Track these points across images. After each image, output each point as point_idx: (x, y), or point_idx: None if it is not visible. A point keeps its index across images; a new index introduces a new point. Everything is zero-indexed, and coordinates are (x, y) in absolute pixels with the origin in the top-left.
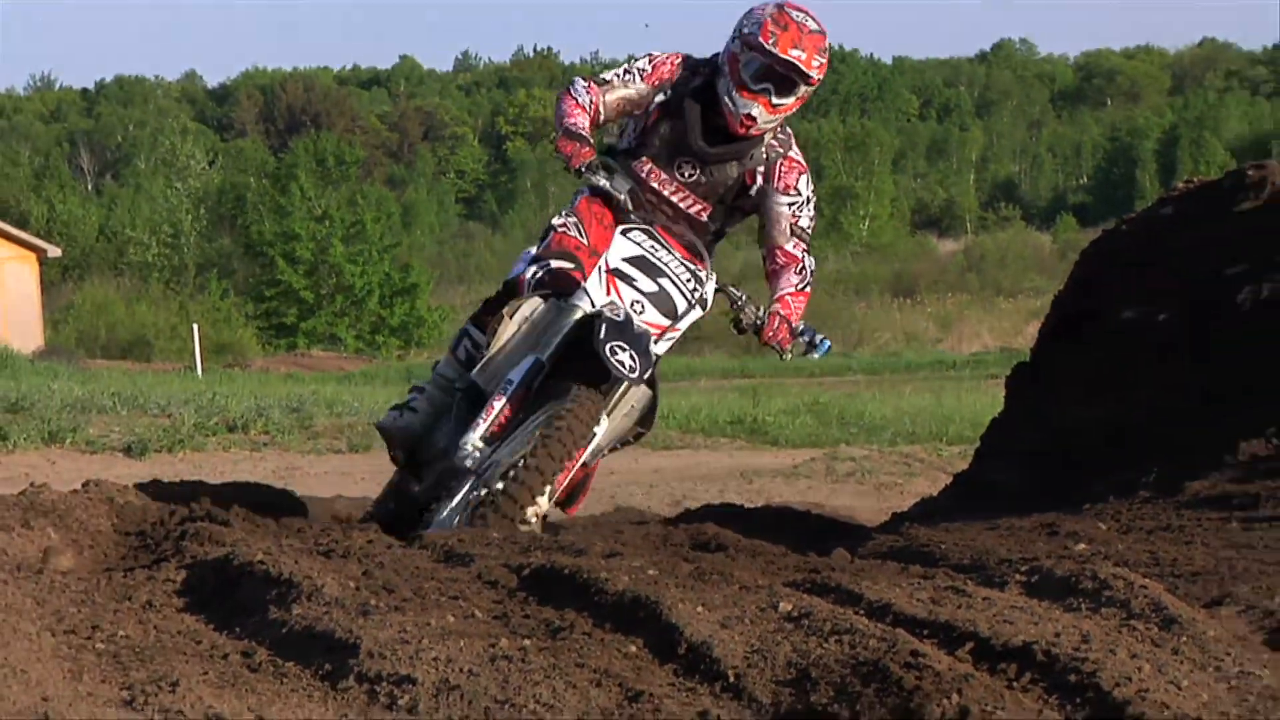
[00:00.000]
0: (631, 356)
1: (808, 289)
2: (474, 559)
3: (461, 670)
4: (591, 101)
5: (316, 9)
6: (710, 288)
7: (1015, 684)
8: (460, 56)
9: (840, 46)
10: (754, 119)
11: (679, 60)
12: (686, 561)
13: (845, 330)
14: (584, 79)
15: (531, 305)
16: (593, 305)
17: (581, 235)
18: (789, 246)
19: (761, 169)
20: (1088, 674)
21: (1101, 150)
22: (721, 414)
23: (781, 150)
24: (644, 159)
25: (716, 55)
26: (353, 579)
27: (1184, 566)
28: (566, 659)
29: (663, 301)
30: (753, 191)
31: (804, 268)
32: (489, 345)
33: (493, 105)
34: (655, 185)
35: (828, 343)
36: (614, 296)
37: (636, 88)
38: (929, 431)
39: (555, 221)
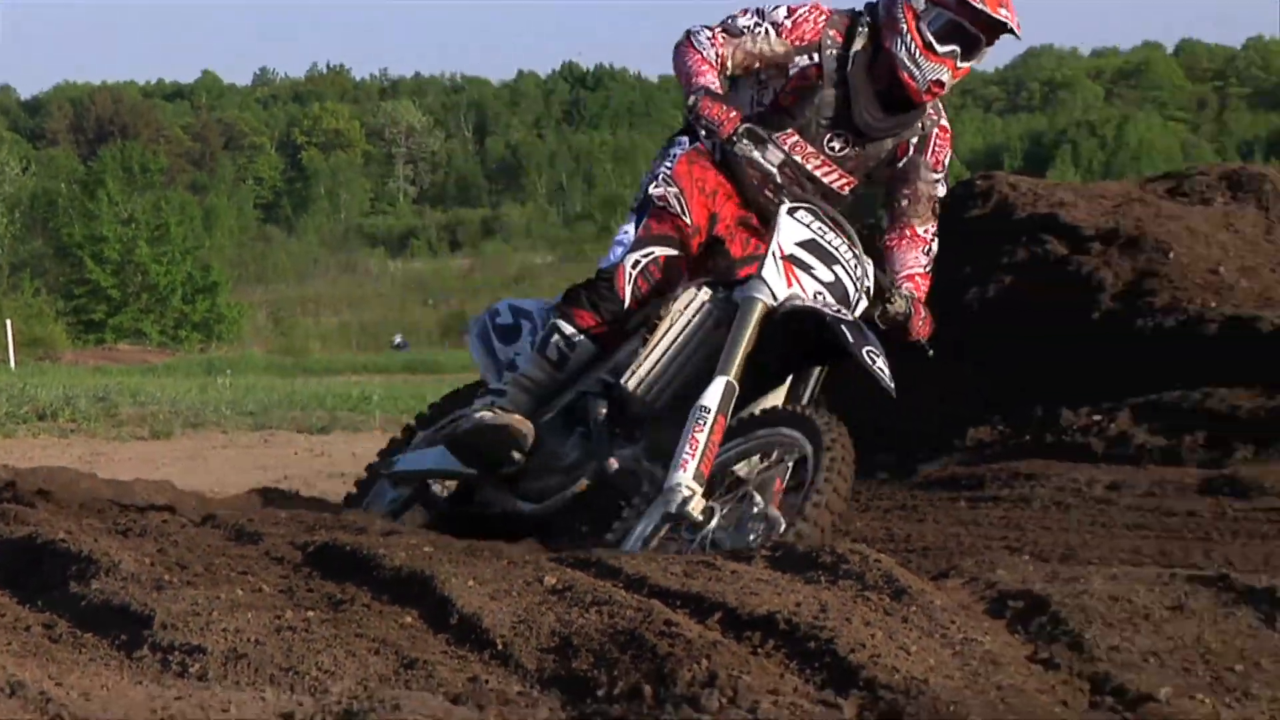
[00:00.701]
0: (886, 363)
1: (931, 272)
2: (262, 537)
3: (249, 640)
4: (718, 55)
5: (124, 27)
6: (872, 273)
7: (760, 650)
8: (258, 72)
9: (610, 65)
10: (943, 85)
11: (823, 16)
12: (461, 538)
13: None
14: (708, 28)
15: (689, 297)
16: (774, 297)
17: (683, 210)
18: (921, 229)
19: (915, 140)
20: (825, 641)
21: None
22: None
23: (935, 118)
24: (789, 130)
25: (872, 8)
26: (148, 556)
27: (916, 542)
28: (347, 629)
29: (838, 292)
30: (901, 164)
31: (931, 249)
32: (645, 345)
33: (288, 117)
34: (798, 159)
35: (407, 345)
36: (796, 288)
37: (770, 43)
38: None
39: (654, 192)
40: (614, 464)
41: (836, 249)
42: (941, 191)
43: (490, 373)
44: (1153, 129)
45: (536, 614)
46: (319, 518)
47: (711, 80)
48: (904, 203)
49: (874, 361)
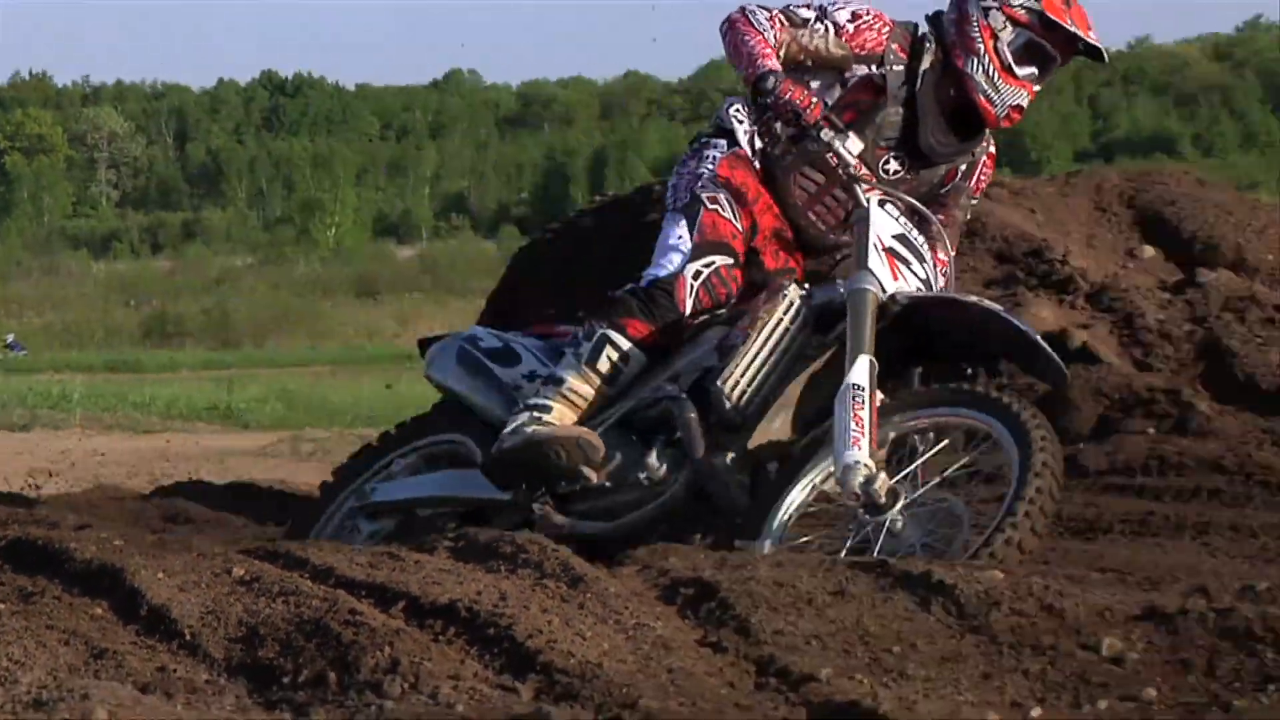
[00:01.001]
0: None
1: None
2: None
3: None
4: (776, 40)
5: None
6: (950, 275)
7: (441, 637)
8: None
9: (309, 73)
10: (1022, 111)
11: (886, 27)
12: (153, 533)
13: (312, 326)
14: (765, 9)
15: (782, 297)
16: (883, 290)
17: (735, 217)
18: (944, 256)
19: (964, 166)
20: (504, 627)
21: (540, 168)
22: (199, 401)
23: (985, 145)
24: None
25: (936, 22)
26: None
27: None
28: (38, 621)
29: (929, 290)
30: (945, 189)
31: (949, 271)
32: (743, 347)
33: None
34: None
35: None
36: (901, 281)
37: (829, 43)
38: (385, 415)
39: (703, 194)
40: (723, 469)
41: (921, 247)
42: (969, 215)
43: (489, 397)
44: None
45: (225, 604)
46: (11, 512)
47: (777, 65)
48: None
49: (1049, 346)
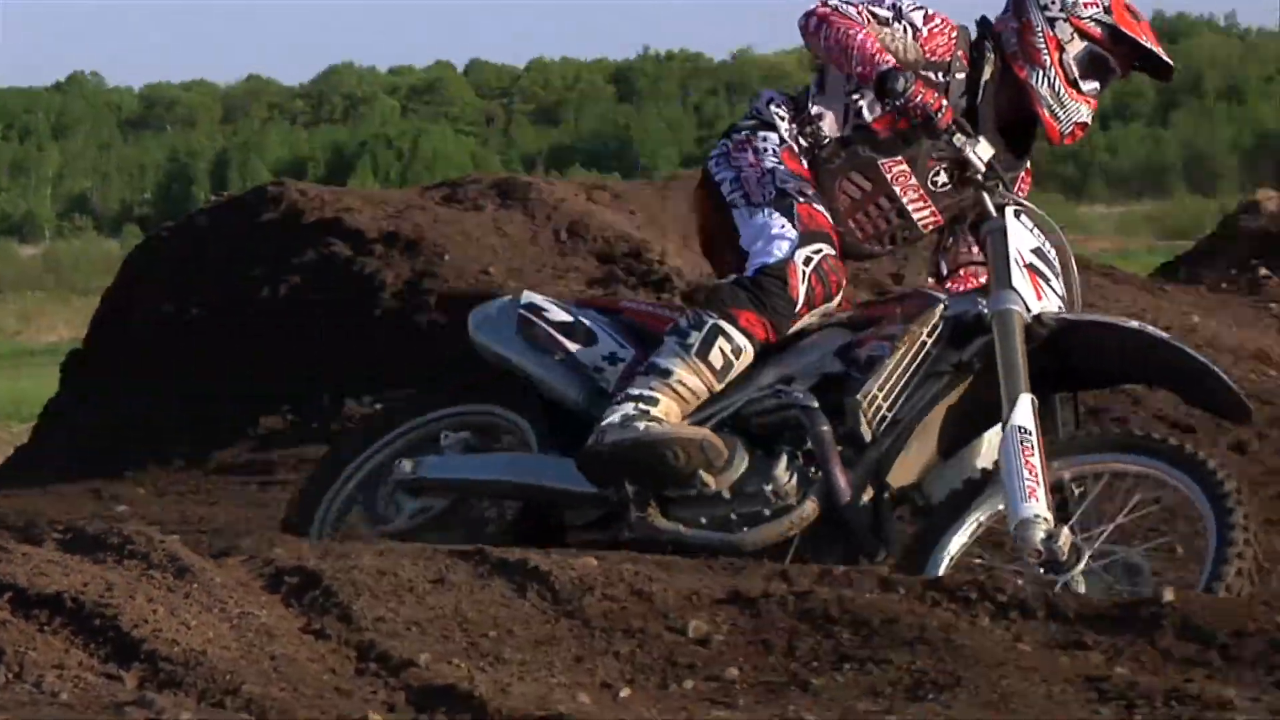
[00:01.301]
0: None
1: None
2: None
3: None
4: None
5: None
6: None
7: (47, 628)
8: None
9: None
10: (1085, 128)
11: (954, 32)
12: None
13: None
14: (849, 3)
15: (930, 311)
16: (1027, 310)
17: (826, 210)
18: (984, 278)
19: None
20: (110, 618)
21: (163, 169)
22: None
23: (1025, 162)
24: (898, 157)
25: (993, 28)
26: None
27: (207, 523)
28: None
29: (1066, 307)
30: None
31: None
32: (888, 360)
33: None
34: (897, 190)
35: None
36: (1044, 301)
37: (906, 45)
38: (4, 411)
39: (788, 187)
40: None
41: (1052, 259)
42: None
43: (562, 376)
44: (446, 141)
45: None
46: None
47: (895, 62)
48: (974, 249)
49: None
